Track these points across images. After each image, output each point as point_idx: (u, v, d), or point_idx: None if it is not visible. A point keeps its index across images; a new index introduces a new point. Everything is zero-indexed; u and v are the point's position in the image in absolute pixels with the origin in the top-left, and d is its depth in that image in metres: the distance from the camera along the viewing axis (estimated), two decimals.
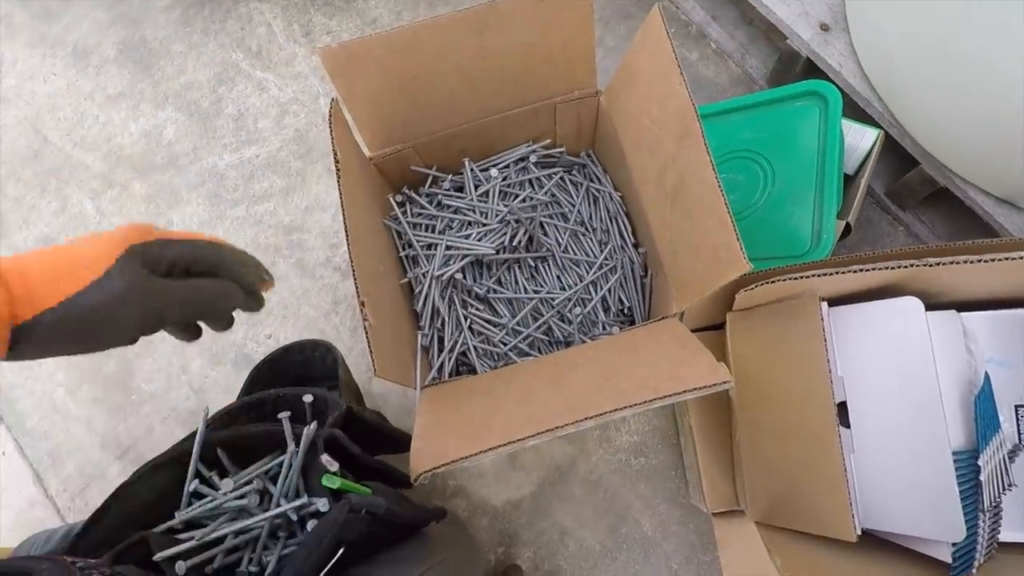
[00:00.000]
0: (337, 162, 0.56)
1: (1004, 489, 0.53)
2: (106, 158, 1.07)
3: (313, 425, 0.52)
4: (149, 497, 0.49)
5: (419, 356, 0.67)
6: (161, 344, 0.96)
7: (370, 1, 1.09)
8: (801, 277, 0.53)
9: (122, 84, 1.10)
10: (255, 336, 0.95)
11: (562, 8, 0.62)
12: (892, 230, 0.88)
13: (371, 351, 0.51)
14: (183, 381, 0.95)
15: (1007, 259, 0.48)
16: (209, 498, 0.50)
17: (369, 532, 0.48)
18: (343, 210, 0.55)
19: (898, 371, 0.53)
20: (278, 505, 0.50)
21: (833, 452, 0.52)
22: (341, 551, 0.44)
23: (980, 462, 0.52)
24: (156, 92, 1.09)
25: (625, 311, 0.76)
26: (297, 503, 0.49)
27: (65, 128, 1.09)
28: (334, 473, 0.48)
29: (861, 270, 0.50)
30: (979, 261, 0.48)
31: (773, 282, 0.54)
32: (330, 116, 0.57)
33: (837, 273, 0.52)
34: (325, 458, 0.49)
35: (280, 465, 0.52)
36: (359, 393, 0.76)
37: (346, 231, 0.54)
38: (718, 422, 0.71)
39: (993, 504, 0.53)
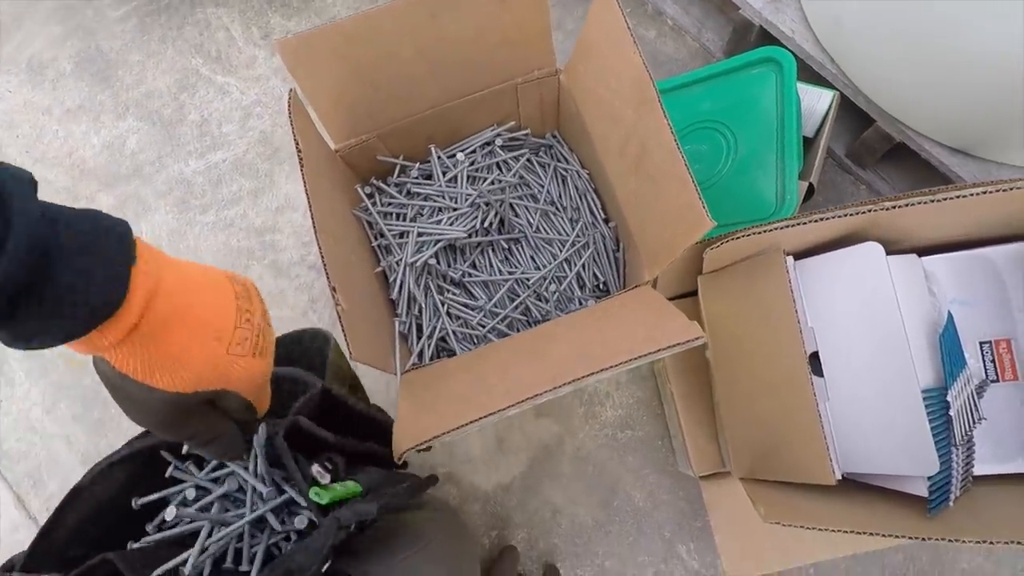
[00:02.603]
0: (300, 151, 0.56)
1: (974, 423, 0.55)
2: (69, 172, 1.05)
3: (262, 430, 0.48)
4: (108, 495, 0.47)
5: (397, 343, 0.67)
6: None
7: (328, 1, 1.09)
8: (764, 232, 0.54)
9: (80, 97, 1.09)
10: None
11: None
12: (855, 189, 0.90)
13: (345, 336, 0.51)
14: None
15: (959, 197, 0.49)
16: (189, 483, 0.49)
17: (360, 527, 0.47)
18: (308, 198, 0.55)
19: (864, 316, 0.55)
20: (255, 501, 0.48)
21: (807, 401, 0.53)
22: (329, 562, 0.43)
23: (949, 398, 0.53)
24: (116, 103, 1.08)
25: (600, 286, 0.77)
26: (276, 501, 0.48)
27: (24, 145, 1.07)
28: (323, 486, 0.46)
29: (822, 219, 0.52)
30: (933, 202, 0.50)
31: (738, 238, 0.55)
32: (289, 107, 0.57)
33: (799, 225, 0.53)
34: (316, 469, 0.47)
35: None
36: (355, 380, 0.73)
37: (312, 220, 0.54)
38: (699, 387, 0.72)
39: (965, 438, 0.55)
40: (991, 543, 0.45)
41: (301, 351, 0.69)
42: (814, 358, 0.58)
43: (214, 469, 0.50)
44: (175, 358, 0.31)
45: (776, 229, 0.54)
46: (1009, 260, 0.58)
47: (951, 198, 0.50)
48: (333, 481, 0.48)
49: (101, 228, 0.29)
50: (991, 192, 0.50)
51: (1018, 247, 0.57)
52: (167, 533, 0.47)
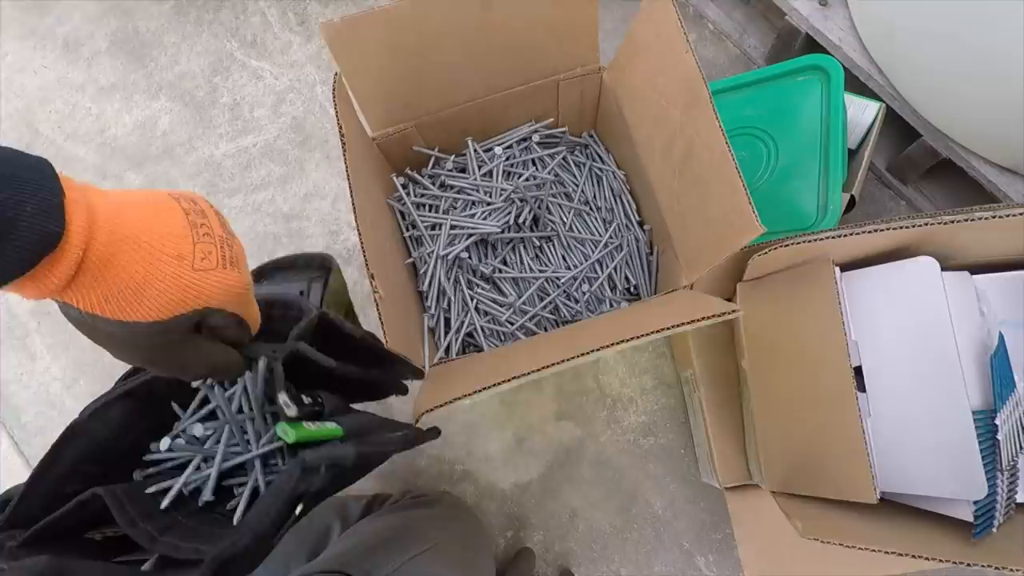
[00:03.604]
0: (343, 137, 0.55)
1: (1022, 448, 0.53)
2: (99, 150, 1.05)
3: (262, 362, 0.45)
4: (105, 434, 0.45)
5: (426, 336, 0.67)
6: None
7: None
8: (814, 240, 0.52)
9: (114, 75, 1.09)
10: None
11: None
12: (895, 205, 0.88)
13: (382, 324, 0.51)
14: None
15: (1020, 215, 0.48)
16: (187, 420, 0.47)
17: (336, 476, 0.42)
18: (349, 185, 0.54)
19: (914, 332, 0.53)
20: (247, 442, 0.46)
21: (851, 416, 0.51)
22: (300, 507, 0.40)
23: (997, 421, 0.52)
24: (149, 83, 1.08)
25: (632, 289, 0.76)
26: (264, 449, 0.44)
27: (56, 120, 1.07)
28: (292, 420, 0.41)
29: (876, 230, 0.50)
30: (993, 218, 0.48)
31: (787, 246, 0.54)
32: (334, 91, 0.56)
33: (850, 235, 0.51)
34: (283, 399, 0.42)
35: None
36: (350, 308, 0.67)
37: (353, 206, 0.53)
38: (729, 396, 0.70)
39: (1011, 463, 0.53)
40: None
41: (304, 261, 0.62)
42: (857, 372, 0.57)
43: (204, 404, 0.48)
44: (139, 285, 0.30)
45: (827, 239, 0.52)
46: None
47: (1014, 215, 0.48)
48: (312, 419, 0.43)
49: (23, 164, 0.27)
50: None
51: None
52: (156, 469, 0.46)
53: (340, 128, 0.55)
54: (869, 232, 0.51)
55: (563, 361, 0.46)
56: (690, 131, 0.57)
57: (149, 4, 1.12)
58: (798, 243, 0.53)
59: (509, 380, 0.46)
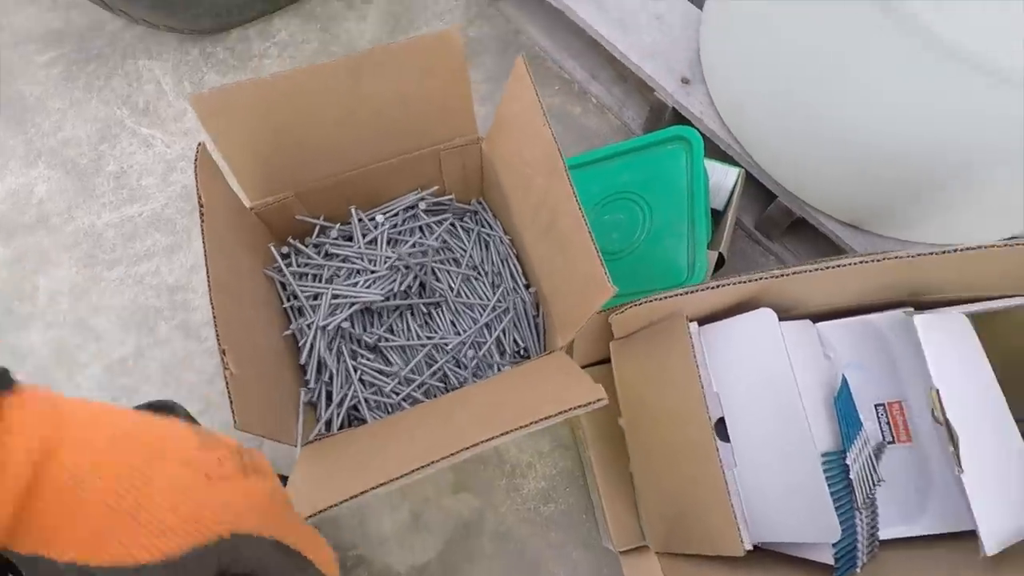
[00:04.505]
0: (201, 206, 0.54)
1: (874, 485, 0.56)
2: None
3: None
4: None
5: (301, 411, 0.64)
6: None
7: (264, 60, 1.10)
8: (665, 298, 0.55)
9: None
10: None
11: (436, 57, 0.65)
12: (764, 260, 0.95)
13: (231, 401, 0.48)
14: None
15: (840, 266, 0.52)
16: None
17: None
18: (205, 254, 0.52)
19: (763, 380, 0.56)
20: None
21: (713, 468, 0.53)
22: None
23: (848, 460, 0.54)
24: (28, 149, 1.03)
25: (521, 352, 0.77)
26: None
27: None
28: None
29: (718, 286, 0.54)
30: (818, 270, 0.53)
31: (639, 304, 0.56)
32: (196, 160, 0.55)
33: (697, 291, 0.54)
34: None
35: None
36: None
37: (208, 276, 0.52)
38: (617, 454, 0.71)
39: (867, 501, 0.55)
40: None
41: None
42: (721, 424, 0.59)
43: None
44: (132, 507, 0.21)
45: (676, 296, 0.55)
46: (893, 325, 0.61)
47: (833, 267, 0.53)
48: None
49: None
50: (868, 262, 0.53)
51: (897, 313, 0.61)
52: None
53: (199, 198, 0.54)
54: (712, 288, 0.54)
55: (434, 462, 0.45)
56: (552, 199, 0.60)
57: (36, 69, 1.09)
58: (650, 301, 0.56)
59: (382, 484, 0.45)
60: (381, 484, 0.44)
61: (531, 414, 0.47)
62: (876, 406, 0.61)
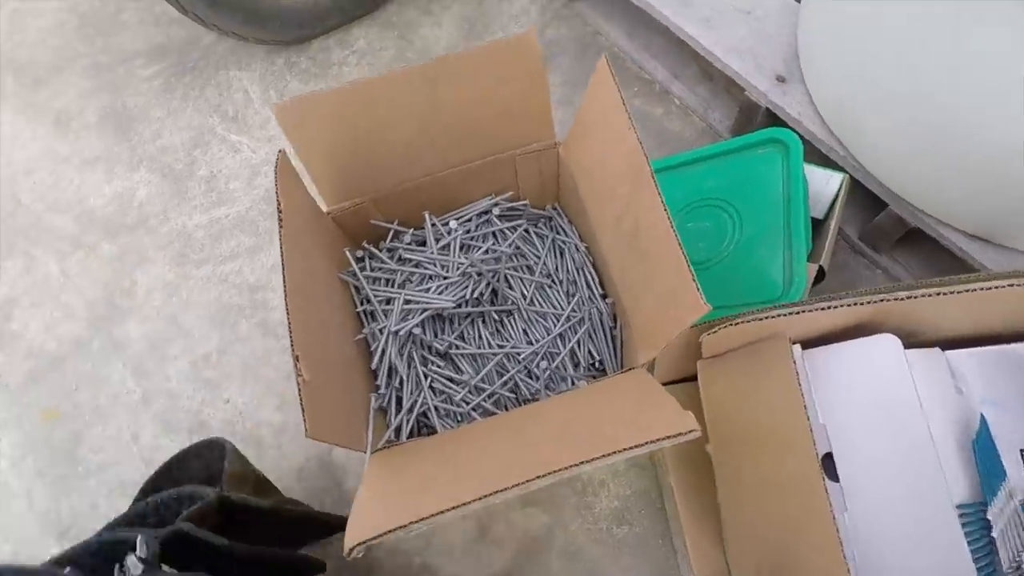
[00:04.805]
0: (280, 211, 0.54)
1: (1023, 547, 0.48)
2: (77, 219, 1.06)
3: (139, 542, 0.43)
4: None
5: (372, 418, 0.63)
6: (113, 407, 0.91)
7: (344, 68, 1.13)
8: (766, 318, 0.49)
9: (100, 148, 1.12)
10: (212, 401, 0.90)
11: (512, 62, 0.63)
12: (870, 274, 0.85)
13: (303, 409, 0.47)
14: (134, 452, 0.89)
15: (983, 289, 0.45)
16: None
17: None
18: (282, 258, 0.52)
19: (882, 416, 0.49)
20: None
21: (821, 510, 0.46)
22: None
23: (990, 516, 0.46)
24: (132, 155, 1.10)
25: (596, 364, 0.73)
26: None
27: (39, 191, 1.09)
28: None
29: (829, 307, 0.47)
30: (954, 293, 0.46)
31: (737, 324, 0.51)
32: (276, 166, 0.56)
33: (803, 312, 0.48)
34: (131, 561, 0.41)
35: None
36: (260, 481, 0.69)
37: (284, 280, 0.52)
38: (702, 481, 0.65)
39: (1013, 564, 0.47)
40: None
41: (201, 464, 0.65)
42: (828, 460, 0.52)
43: None
44: None
45: (779, 316, 0.50)
46: None
47: (972, 290, 0.45)
48: None
49: None
50: (1017, 286, 0.45)
51: None
52: None
53: (278, 203, 0.54)
54: (822, 309, 0.48)
55: (506, 489, 0.43)
56: (636, 206, 0.55)
57: (140, 82, 1.17)
58: (748, 321, 0.50)
59: (447, 511, 0.43)
60: (449, 509, 0.42)
61: (613, 442, 0.43)
62: (1022, 451, 0.52)
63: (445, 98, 0.64)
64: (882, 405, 0.49)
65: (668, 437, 0.43)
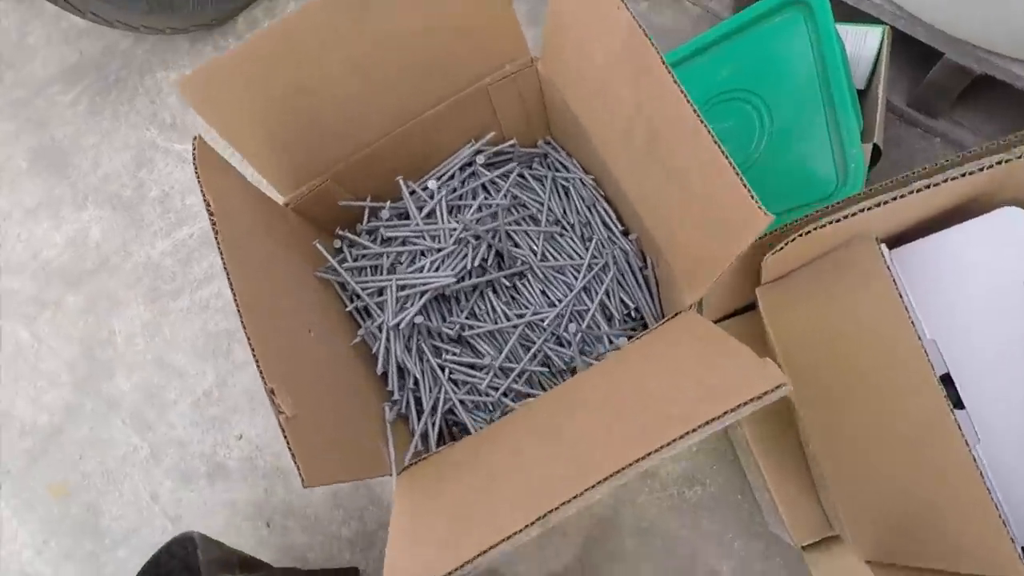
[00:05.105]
0: (211, 214, 0.43)
1: None
2: (34, 277, 0.96)
3: None
4: None
5: (390, 432, 0.53)
6: (123, 468, 0.84)
7: None
8: (844, 217, 0.38)
9: (39, 193, 1.01)
10: (224, 440, 0.82)
11: None
12: (927, 144, 0.72)
13: (292, 453, 0.38)
14: (156, 511, 0.82)
15: None
16: None
17: None
18: (226, 272, 0.42)
19: (1013, 317, 0.38)
20: None
21: (954, 448, 0.36)
22: None
23: None
24: (75, 193, 0.99)
25: (632, 314, 0.62)
26: None
27: None
28: None
29: (931, 186, 0.36)
30: None
31: (808, 233, 0.39)
32: (194, 156, 0.44)
33: (893, 200, 0.37)
34: None
35: None
36: (246, 561, 0.65)
37: (234, 299, 0.41)
38: (781, 430, 0.55)
39: None
40: None
41: (177, 565, 0.61)
42: (945, 383, 0.41)
43: None
44: None
45: (862, 211, 0.38)
46: None
47: None
48: None
49: None
50: None
51: None
52: None
53: (207, 204, 0.43)
54: (920, 190, 0.36)
55: (557, 508, 0.34)
56: (648, 109, 0.43)
57: (63, 110, 1.05)
58: (822, 226, 0.39)
59: (495, 546, 0.33)
60: (500, 543, 0.33)
61: (685, 420, 0.33)
62: None
63: (383, 27, 0.51)
64: (1011, 304, 0.38)
65: (752, 400, 0.33)
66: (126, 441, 0.85)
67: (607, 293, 0.61)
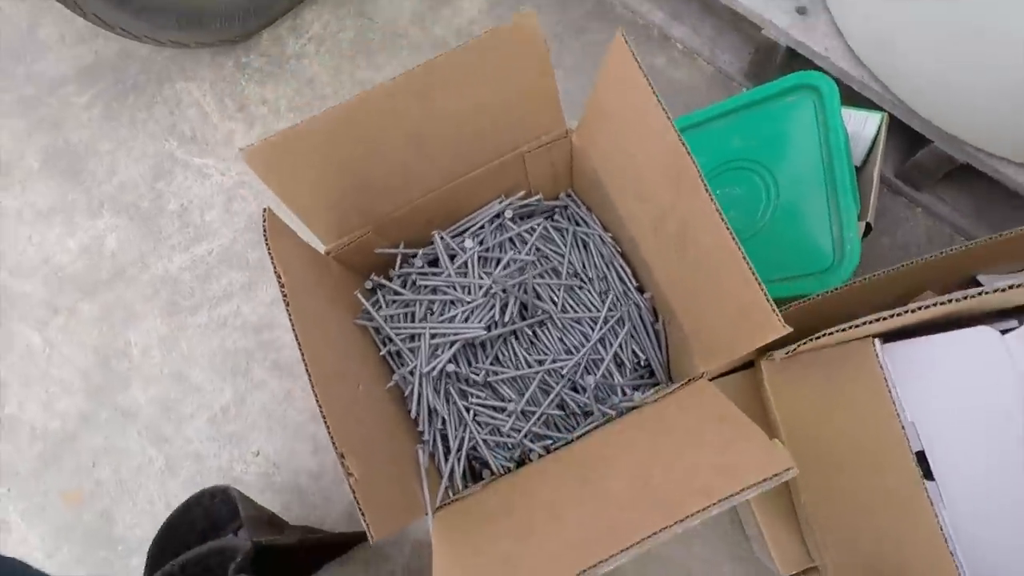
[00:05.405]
0: (283, 286, 0.47)
1: None
2: (46, 282, 0.97)
3: None
4: None
5: (424, 475, 0.58)
6: (138, 479, 0.87)
7: (303, 60, 1.01)
8: (852, 327, 0.44)
9: (52, 196, 1.01)
10: (241, 456, 0.85)
11: (513, 52, 0.54)
12: (909, 214, 0.80)
13: (362, 512, 0.42)
14: None
15: None
16: None
17: None
18: (298, 342, 0.46)
19: (981, 411, 0.45)
20: None
21: (923, 512, 0.44)
22: None
23: None
24: (89, 199, 1.00)
25: (642, 363, 0.68)
26: None
27: None
28: None
29: (921, 308, 0.42)
30: None
31: (818, 337, 0.45)
32: (265, 231, 0.48)
33: (894, 316, 0.43)
34: None
35: None
36: (273, 518, 0.69)
37: (307, 369, 0.45)
38: None
39: None
40: None
41: (202, 514, 0.64)
42: (921, 459, 0.49)
43: None
44: None
45: (866, 323, 0.44)
46: None
47: None
48: None
49: None
50: None
51: None
52: None
53: (278, 277, 0.47)
54: (914, 311, 0.43)
55: (598, 565, 0.39)
56: (682, 211, 0.49)
57: (78, 112, 1.04)
58: (830, 333, 0.45)
59: None
60: None
61: (703, 495, 0.39)
62: None
63: (440, 107, 0.55)
64: (979, 400, 0.45)
65: (765, 480, 0.39)
66: (142, 452, 0.88)
67: (621, 345, 0.67)
